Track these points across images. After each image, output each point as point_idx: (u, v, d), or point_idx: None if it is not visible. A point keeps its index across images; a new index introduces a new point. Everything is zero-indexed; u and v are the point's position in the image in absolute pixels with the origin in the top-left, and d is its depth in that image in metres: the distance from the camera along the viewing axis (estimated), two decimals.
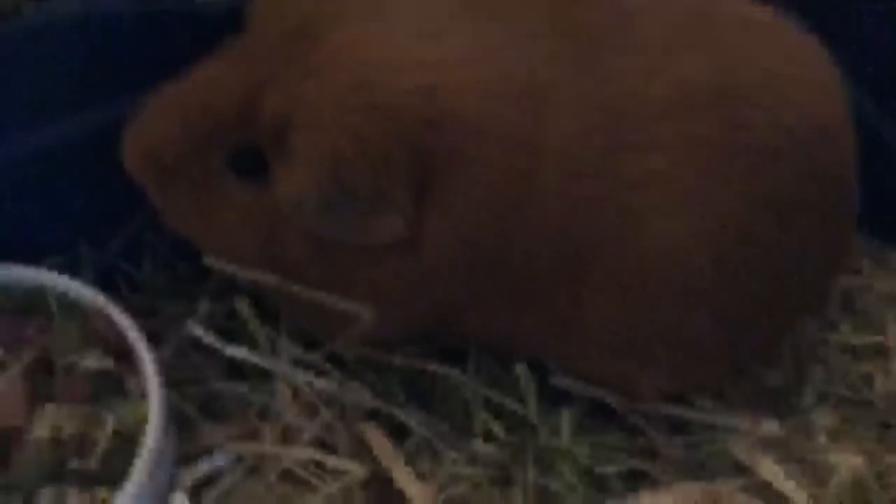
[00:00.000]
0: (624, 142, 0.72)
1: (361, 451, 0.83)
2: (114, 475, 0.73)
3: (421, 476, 0.82)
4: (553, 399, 0.86)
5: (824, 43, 0.79)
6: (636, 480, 0.85)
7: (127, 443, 0.75)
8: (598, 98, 0.72)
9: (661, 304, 0.76)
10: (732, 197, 0.73)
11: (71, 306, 0.81)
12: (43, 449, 0.73)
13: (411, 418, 0.84)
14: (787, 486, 0.83)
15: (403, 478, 0.81)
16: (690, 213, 0.73)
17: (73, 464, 0.73)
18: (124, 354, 0.79)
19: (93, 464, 0.74)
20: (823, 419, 0.89)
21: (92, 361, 0.78)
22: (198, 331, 0.84)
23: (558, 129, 0.71)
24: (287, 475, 0.81)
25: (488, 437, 0.84)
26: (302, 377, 0.83)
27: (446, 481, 0.82)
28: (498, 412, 0.85)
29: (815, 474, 0.85)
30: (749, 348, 0.84)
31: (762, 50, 0.75)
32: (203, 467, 0.80)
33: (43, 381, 0.77)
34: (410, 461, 0.82)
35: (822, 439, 0.88)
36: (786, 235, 0.75)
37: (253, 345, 0.84)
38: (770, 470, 0.84)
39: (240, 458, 0.82)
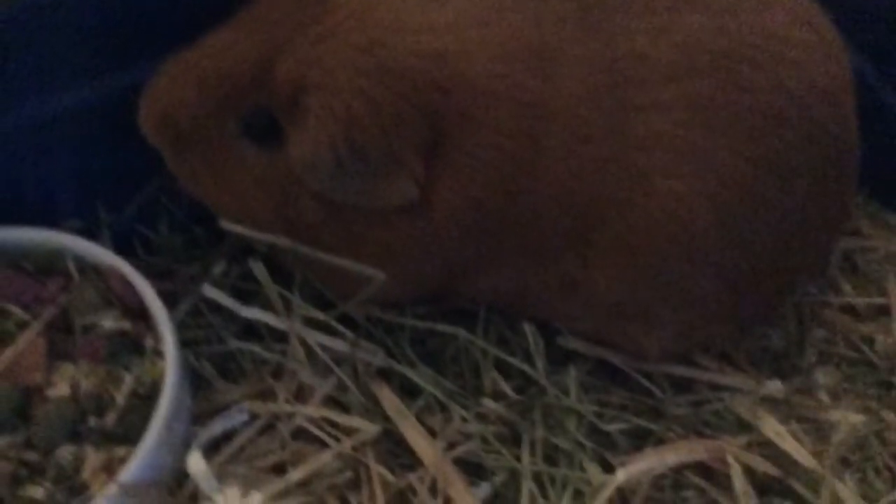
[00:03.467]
0: (630, 103, 0.73)
1: (373, 409, 0.83)
2: (131, 433, 0.74)
3: (431, 434, 0.82)
4: (560, 359, 0.87)
5: (825, 9, 0.80)
6: (641, 438, 0.86)
7: (144, 401, 0.76)
8: (605, 60, 0.73)
9: (666, 264, 0.77)
10: (736, 158, 0.74)
11: (89, 268, 0.82)
12: (62, 407, 0.74)
13: (422, 377, 0.85)
14: (790, 443, 0.84)
15: (414, 435, 0.82)
16: (695, 173, 0.74)
17: (91, 422, 0.74)
18: (141, 315, 0.80)
19: (110, 422, 0.74)
20: (825, 378, 0.91)
21: (110, 322, 0.79)
22: (213, 292, 0.85)
23: (565, 91, 0.72)
24: (300, 433, 0.82)
25: (497, 395, 0.85)
26: (315, 337, 0.84)
27: (456, 439, 0.82)
28: (506, 371, 0.86)
29: (817, 432, 0.87)
30: (752, 308, 0.85)
31: (766, 13, 0.76)
32: (218, 425, 0.81)
33: (62, 340, 0.77)
34: (421, 419, 0.83)
35: (823, 398, 0.90)
36: (788, 196, 0.76)
37: (267, 306, 0.85)
38: (773, 428, 0.85)
39: (254, 416, 0.82)
